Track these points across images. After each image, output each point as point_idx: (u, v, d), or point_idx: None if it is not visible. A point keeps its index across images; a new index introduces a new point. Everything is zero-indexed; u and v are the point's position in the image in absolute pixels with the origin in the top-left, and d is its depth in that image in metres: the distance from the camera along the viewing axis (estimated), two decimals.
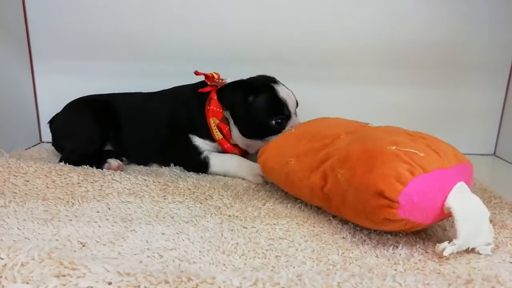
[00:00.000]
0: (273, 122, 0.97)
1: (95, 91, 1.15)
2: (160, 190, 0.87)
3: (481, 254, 0.62)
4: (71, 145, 1.04)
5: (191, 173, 1.01)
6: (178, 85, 1.11)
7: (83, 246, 0.63)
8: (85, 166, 0.95)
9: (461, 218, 0.59)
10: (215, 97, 0.99)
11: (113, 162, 1.01)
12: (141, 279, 0.48)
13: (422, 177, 0.61)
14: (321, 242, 0.67)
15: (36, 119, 1.31)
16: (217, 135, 1.01)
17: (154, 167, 1.06)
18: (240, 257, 0.61)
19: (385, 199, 0.60)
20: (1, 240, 0.63)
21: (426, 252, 0.63)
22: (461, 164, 0.68)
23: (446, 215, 0.63)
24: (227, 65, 1.22)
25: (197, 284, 0.48)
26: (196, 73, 1.01)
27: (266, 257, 0.61)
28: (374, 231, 0.71)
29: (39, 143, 1.31)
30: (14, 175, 0.88)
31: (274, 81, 1.02)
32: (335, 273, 0.54)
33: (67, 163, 0.97)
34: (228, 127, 1.01)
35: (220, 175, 1.00)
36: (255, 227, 0.71)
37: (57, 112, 1.12)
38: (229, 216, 0.76)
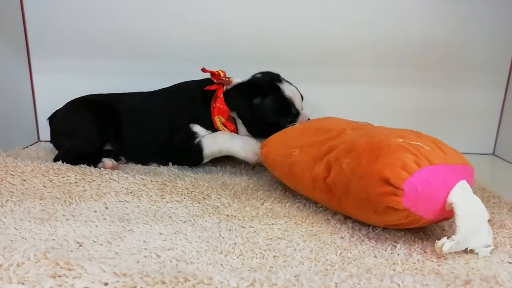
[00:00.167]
0: (283, 122, 0.97)
1: (93, 90, 1.14)
2: (158, 189, 0.87)
3: (479, 255, 0.62)
4: (69, 144, 1.04)
5: (189, 172, 1.00)
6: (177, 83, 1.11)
7: (80, 246, 0.62)
8: (82, 165, 0.95)
9: (462, 215, 0.59)
10: (221, 95, 1.00)
11: (108, 161, 1.01)
12: (137, 280, 0.48)
13: (427, 168, 0.61)
14: (320, 242, 0.67)
15: (34, 118, 1.30)
16: (225, 130, 1.01)
17: (153, 167, 1.06)
18: (238, 257, 0.61)
19: (390, 185, 0.60)
20: None
21: (425, 252, 0.63)
22: (464, 165, 0.69)
23: (447, 214, 0.62)
24: (227, 64, 1.20)
25: (194, 284, 0.48)
26: (203, 70, 1.01)
27: (264, 257, 0.61)
28: (373, 230, 0.71)
29: (37, 142, 1.31)
30: (11, 174, 0.88)
31: (279, 79, 1.02)
32: (333, 273, 0.54)
33: (63, 162, 0.96)
34: (234, 126, 1.01)
35: (214, 156, 0.99)
36: (253, 227, 0.71)
37: (55, 110, 1.11)
38: (227, 215, 0.76)
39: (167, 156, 1.06)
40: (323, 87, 1.28)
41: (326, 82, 1.28)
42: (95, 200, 0.80)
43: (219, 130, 1.01)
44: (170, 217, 0.74)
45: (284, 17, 1.22)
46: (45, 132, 1.14)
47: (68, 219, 0.71)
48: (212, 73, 1.01)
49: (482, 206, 0.63)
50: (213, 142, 0.98)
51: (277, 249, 0.64)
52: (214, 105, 1.00)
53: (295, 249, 0.64)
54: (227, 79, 1.01)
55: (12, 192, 0.82)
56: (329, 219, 0.75)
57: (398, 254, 0.63)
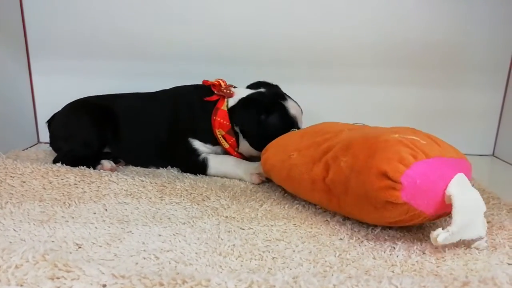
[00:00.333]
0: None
1: (93, 92, 1.14)
2: (157, 191, 0.87)
3: (478, 249, 0.63)
4: (68, 147, 1.04)
5: (188, 174, 1.01)
6: (177, 85, 1.11)
7: (79, 247, 0.62)
8: (82, 167, 0.95)
9: (460, 207, 0.60)
10: (222, 108, 1.00)
11: (106, 163, 1.01)
12: (135, 282, 0.48)
13: (424, 161, 0.62)
14: (318, 243, 0.67)
15: (34, 119, 1.30)
16: (224, 144, 1.02)
17: (152, 168, 1.06)
18: (236, 259, 0.61)
19: (388, 179, 0.60)
20: None
21: (424, 254, 0.63)
22: (461, 159, 0.69)
23: (446, 208, 0.63)
24: (227, 65, 1.22)
25: (192, 286, 0.48)
26: (204, 82, 1.02)
27: (262, 259, 0.61)
28: (372, 231, 0.71)
29: (36, 143, 1.31)
30: (11, 176, 0.88)
31: (282, 95, 1.03)
32: (332, 275, 0.54)
33: (63, 164, 0.96)
34: (234, 139, 1.01)
35: (218, 176, 1.00)
36: (252, 229, 0.71)
37: (55, 112, 1.11)
38: (226, 217, 0.76)
39: (169, 162, 1.07)
40: (323, 88, 1.28)
41: (326, 83, 1.28)
42: (94, 202, 0.80)
43: (219, 143, 1.02)
44: (169, 218, 0.74)
45: (284, 18, 1.22)
46: (45, 133, 1.14)
47: (67, 221, 0.71)
48: (212, 84, 1.02)
49: (480, 198, 0.63)
50: (220, 165, 1.00)
51: (276, 250, 0.64)
52: (214, 117, 1.00)
53: (294, 251, 0.64)
54: (228, 91, 1.01)
55: (12, 194, 0.82)
56: (328, 221, 0.75)
57: (397, 256, 0.63)
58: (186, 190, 0.88)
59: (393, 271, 0.58)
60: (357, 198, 0.66)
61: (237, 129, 1.00)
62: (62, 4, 1.21)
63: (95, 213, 0.75)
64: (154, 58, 1.25)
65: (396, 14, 1.21)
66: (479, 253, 0.63)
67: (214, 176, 1.00)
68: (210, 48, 1.24)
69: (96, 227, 0.69)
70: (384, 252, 0.64)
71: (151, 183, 0.90)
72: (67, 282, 0.48)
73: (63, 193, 0.84)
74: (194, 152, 1.02)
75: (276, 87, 1.07)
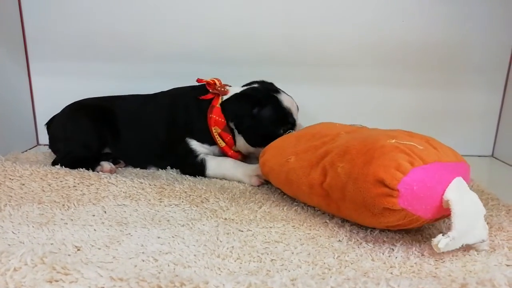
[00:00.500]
0: (281, 131, 0.98)
1: (92, 93, 1.14)
2: (156, 193, 0.87)
3: (478, 251, 0.63)
4: (67, 148, 1.04)
5: (187, 176, 1.01)
6: (175, 86, 1.11)
7: (78, 250, 0.62)
8: (81, 169, 0.95)
9: (458, 212, 0.59)
10: (217, 105, 1.00)
11: (106, 165, 1.01)
12: (133, 284, 0.48)
13: (421, 167, 0.62)
14: (317, 245, 0.67)
15: (33, 121, 1.30)
16: (220, 143, 1.02)
17: (151, 170, 1.06)
18: (235, 261, 0.61)
19: (385, 187, 0.61)
20: None
21: (422, 255, 0.63)
22: (459, 162, 0.69)
23: (444, 211, 0.62)
24: (225, 66, 1.21)
25: None
26: (198, 80, 1.02)
27: (261, 261, 0.61)
28: (371, 233, 0.71)
29: (36, 145, 1.31)
30: (10, 179, 0.88)
31: (276, 89, 1.03)
32: (330, 277, 0.54)
33: (62, 166, 0.97)
34: (230, 136, 1.01)
35: (216, 177, 1.00)
36: (251, 230, 0.71)
37: (54, 114, 1.11)
38: (225, 219, 0.76)
39: (168, 163, 1.07)
40: (322, 89, 1.28)
41: (325, 84, 1.28)
42: (93, 204, 0.80)
43: (215, 142, 1.02)
44: (168, 220, 0.74)
45: (283, 20, 1.22)
46: (44, 136, 1.14)
47: (67, 223, 0.71)
48: (207, 83, 1.02)
49: (478, 202, 0.63)
50: (218, 167, 1.00)
51: (275, 252, 0.64)
52: (210, 115, 1.00)
53: (292, 253, 0.64)
54: (222, 88, 1.02)
55: (11, 196, 0.82)
56: (327, 222, 0.75)
57: (396, 257, 0.63)
58: (185, 192, 0.88)
59: (391, 273, 0.58)
60: (355, 204, 0.66)
61: (232, 125, 1.00)
62: (61, 5, 1.21)
63: (94, 215, 0.75)
64: (153, 60, 1.25)
65: (395, 15, 1.22)
66: (477, 254, 0.63)
67: (213, 177, 1.00)
68: (209, 49, 1.24)
69: (95, 230, 0.69)
70: (383, 254, 0.64)
71: (150, 185, 0.90)
72: (65, 285, 0.48)
73: (62, 196, 0.84)
74: (192, 153, 1.02)
75: (270, 84, 1.07)
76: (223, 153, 1.05)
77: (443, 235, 0.59)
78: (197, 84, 1.05)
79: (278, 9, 1.21)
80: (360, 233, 0.71)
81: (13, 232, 0.67)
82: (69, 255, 0.60)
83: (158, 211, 0.79)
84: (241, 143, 1.02)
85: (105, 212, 0.77)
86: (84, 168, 0.96)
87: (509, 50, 1.24)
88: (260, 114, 0.97)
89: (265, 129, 0.97)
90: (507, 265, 0.60)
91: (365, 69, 1.27)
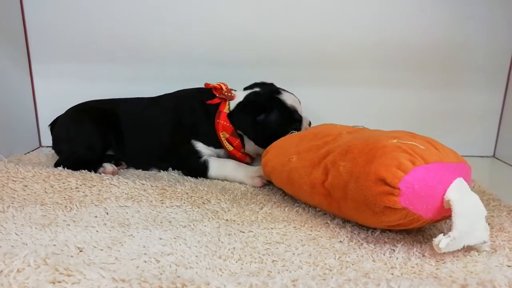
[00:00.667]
0: (290, 131, 1.00)
1: (94, 95, 1.15)
2: (158, 194, 0.87)
3: (479, 252, 0.63)
4: (70, 149, 1.04)
5: (189, 177, 1.01)
6: (176, 88, 1.11)
7: (80, 251, 0.63)
8: (83, 171, 0.95)
9: (459, 212, 0.60)
10: (224, 110, 1.01)
11: (108, 166, 1.02)
12: (135, 285, 0.48)
13: (423, 167, 0.62)
14: (318, 246, 0.67)
15: (36, 123, 1.31)
16: (228, 147, 1.03)
17: (153, 172, 1.07)
18: (236, 262, 0.61)
19: (386, 185, 0.61)
20: None
21: (424, 256, 0.63)
22: (460, 163, 0.69)
23: (445, 212, 0.63)
24: (226, 68, 1.22)
25: None
26: (206, 85, 1.04)
27: (262, 262, 0.61)
28: (372, 234, 0.71)
29: (38, 147, 1.32)
30: (13, 180, 0.89)
31: (277, 90, 1.04)
32: (331, 278, 0.55)
33: (64, 167, 0.97)
34: (239, 140, 1.02)
35: (218, 179, 1.00)
36: (252, 232, 0.71)
37: (57, 116, 1.12)
38: (227, 220, 0.76)
39: (171, 164, 1.07)
40: (323, 90, 1.28)
41: (326, 85, 1.28)
42: (95, 205, 0.81)
43: (223, 146, 1.03)
44: (170, 222, 0.75)
45: (284, 21, 1.22)
46: (47, 137, 1.15)
47: (69, 225, 0.72)
48: (214, 87, 1.03)
49: (479, 203, 0.63)
50: (220, 168, 1.00)
51: (276, 253, 0.64)
52: (218, 121, 1.01)
53: (293, 254, 0.64)
54: (229, 94, 1.02)
55: (14, 197, 0.83)
56: (328, 223, 0.75)
57: (397, 258, 0.63)
58: (187, 193, 0.89)
59: (392, 274, 0.58)
60: (356, 203, 0.66)
61: (240, 131, 1.01)
62: (63, 8, 1.22)
63: (96, 217, 0.76)
64: (154, 62, 1.26)
65: (396, 16, 1.22)
66: (478, 255, 0.63)
67: (215, 179, 1.01)
68: (210, 51, 1.24)
69: (97, 231, 0.70)
70: (384, 254, 0.64)
71: (152, 186, 0.90)
72: (68, 286, 0.49)
73: (64, 197, 0.84)
74: (196, 154, 1.03)
75: (271, 85, 1.08)
76: (230, 156, 1.05)
77: (444, 235, 0.60)
78: (202, 87, 1.06)
79: (279, 10, 1.21)
80: (361, 234, 0.71)
81: (16, 233, 0.68)
82: (71, 256, 0.61)
83: (160, 212, 0.79)
84: (251, 146, 1.03)
85: (107, 213, 0.78)
86: (86, 170, 0.96)
87: (510, 50, 1.24)
88: (267, 120, 0.99)
89: (274, 131, 0.99)
90: (508, 266, 0.60)
91: (366, 70, 1.27)
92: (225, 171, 1.00)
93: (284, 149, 0.86)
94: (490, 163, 1.28)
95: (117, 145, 1.08)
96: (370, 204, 0.64)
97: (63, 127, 1.09)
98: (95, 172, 0.98)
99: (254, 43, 1.23)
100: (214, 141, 1.03)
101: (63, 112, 1.11)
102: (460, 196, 0.61)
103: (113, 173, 1.00)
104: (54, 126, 1.12)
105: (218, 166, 1.01)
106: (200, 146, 1.03)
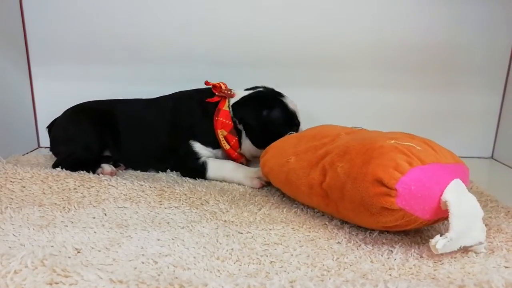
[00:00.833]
0: (288, 132, 1.01)
1: (93, 96, 1.15)
2: (156, 195, 0.87)
3: (476, 253, 0.63)
4: (68, 150, 1.04)
5: (187, 178, 1.01)
6: (176, 89, 1.12)
7: (78, 252, 0.63)
8: (81, 172, 0.95)
9: (456, 213, 0.60)
10: (224, 108, 1.01)
11: (107, 167, 1.02)
12: (133, 287, 0.48)
13: (419, 168, 0.62)
14: (316, 247, 0.67)
15: (34, 124, 1.31)
16: (225, 145, 1.03)
17: (151, 173, 1.07)
18: (234, 263, 0.61)
19: (383, 186, 0.61)
20: None
21: (421, 257, 0.63)
22: (458, 164, 0.70)
23: (443, 213, 0.63)
24: (225, 69, 1.22)
25: None
26: (206, 83, 1.04)
27: (260, 263, 0.61)
28: (370, 235, 0.71)
29: (37, 148, 1.32)
30: (11, 181, 0.89)
31: (280, 94, 1.06)
32: (329, 279, 0.55)
33: (62, 168, 0.97)
34: (236, 138, 1.03)
35: (217, 180, 1.00)
36: (251, 233, 0.71)
37: (55, 117, 1.12)
38: (225, 221, 0.76)
39: (169, 166, 1.07)
40: (323, 91, 1.29)
41: (325, 86, 1.28)
42: (93, 206, 0.81)
43: (220, 145, 1.03)
44: (168, 223, 0.75)
45: (284, 22, 1.22)
46: (45, 138, 1.15)
47: (67, 226, 0.72)
48: (213, 86, 1.03)
49: (476, 204, 0.63)
50: (219, 169, 1.01)
51: (274, 254, 0.64)
52: (217, 118, 1.02)
53: (292, 255, 0.64)
54: (228, 92, 1.03)
55: (12, 198, 0.83)
56: (326, 224, 0.75)
57: (395, 259, 0.63)
58: (185, 194, 0.88)
59: (390, 275, 0.58)
60: (354, 204, 0.66)
61: (240, 127, 1.02)
62: (62, 9, 1.22)
63: (94, 218, 0.76)
64: (154, 62, 1.26)
65: (394, 18, 1.22)
66: (476, 256, 0.63)
67: (213, 180, 1.01)
68: (210, 52, 1.24)
69: (95, 232, 0.70)
70: (382, 255, 0.64)
71: (150, 187, 0.90)
72: (65, 287, 0.48)
73: (62, 198, 0.84)
74: (194, 155, 1.03)
75: (272, 89, 1.09)
76: (226, 156, 1.05)
77: (441, 236, 0.60)
78: (201, 87, 1.07)
79: (279, 11, 1.21)
80: (359, 235, 0.71)
81: (13, 234, 0.68)
82: (69, 257, 0.60)
83: (158, 213, 0.79)
84: (247, 146, 1.04)
85: (105, 214, 0.78)
86: (84, 171, 0.96)
87: (509, 51, 1.25)
88: (270, 116, 1.00)
89: (273, 130, 1.00)
90: (506, 267, 0.60)
91: (365, 71, 1.27)
92: (223, 172, 1.00)
93: (282, 149, 0.86)
94: (488, 164, 1.29)
95: (114, 146, 1.08)
96: (367, 205, 0.64)
97: (60, 128, 1.09)
98: (94, 173, 0.98)
99: (254, 43, 1.23)
100: (212, 141, 1.03)
101: (61, 113, 1.11)
102: (457, 197, 0.61)
103: (112, 174, 1.00)
104: (52, 128, 1.12)
105: (217, 167, 1.01)
106: (198, 146, 1.03)
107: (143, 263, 0.60)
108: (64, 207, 0.79)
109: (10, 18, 1.20)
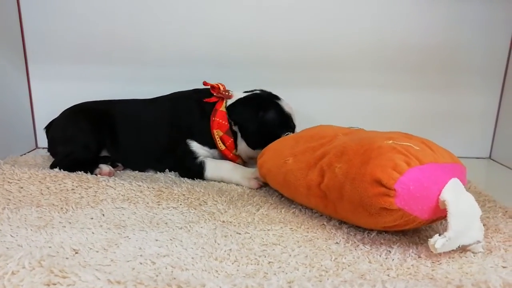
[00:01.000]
0: (283, 134, 1.01)
1: (91, 96, 1.15)
2: (154, 196, 0.87)
3: (474, 252, 0.63)
4: (66, 150, 1.04)
5: (185, 178, 1.01)
6: (174, 90, 1.11)
7: (76, 253, 0.63)
8: (79, 172, 0.95)
9: (454, 212, 0.60)
10: (221, 109, 1.02)
11: (105, 167, 1.02)
12: (131, 287, 0.48)
13: (418, 168, 0.63)
14: (314, 247, 0.67)
15: (32, 125, 1.31)
16: (221, 146, 1.03)
17: (149, 173, 1.06)
18: (232, 264, 0.61)
19: (382, 187, 0.61)
20: None
21: (419, 257, 0.63)
22: (455, 164, 0.70)
23: (441, 212, 0.63)
24: (225, 70, 1.22)
25: None
26: (204, 83, 1.04)
27: (259, 263, 0.61)
28: (368, 235, 0.71)
29: (34, 149, 1.31)
30: (8, 182, 0.88)
31: (276, 97, 1.06)
32: (327, 279, 0.55)
33: (60, 168, 0.97)
34: (231, 139, 1.03)
35: (215, 180, 1.00)
36: (249, 233, 0.71)
37: (53, 117, 1.12)
38: (223, 222, 0.76)
39: (167, 166, 1.07)
40: (322, 92, 1.29)
41: (324, 87, 1.28)
42: (91, 207, 0.81)
43: (216, 145, 1.03)
44: (166, 223, 0.75)
45: (283, 23, 1.22)
46: (43, 139, 1.15)
47: (65, 226, 0.72)
48: (212, 86, 1.04)
49: (474, 203, 0.64)
50: (217, 169, 1.00)
51: (272, 255, 0.64)
52: (213, 118, 1.02)
53: (290, 255, 0.64)
54: (226, 93, 1.04)
55: (9, 199, 0.82)
56: (324, 225, 0.75)
57: (393, 259, 0.63)
58: (183, 194, 0.88)
59: (388, 275, 0.58)
60: (352, 204, 0.66)
61: (235, 128, 1.02)
62: (60, 9, 1.22)
63: (92, 218, 0.75)
64: (152, 63, 1.26)
65: (392, 18, 1.22)
66: (474, 256, 0.63)
67: (211, 180, 1.01)
68: (209, 53, 1.24)
69: (93, 232, 0.69)
70: (380, 256, 0.64)
71: (148, 188, 0.90)
72: None
73: (60, 199, 0.84)
74: (192, 155, 1.03)
75: (270, 92, 1.09)
76: (223, 157, 1.06)
77: (439, 236, 0.60)
78: (199, 88, 1.07)
79: (278, 12, 1.21)
80: (358, 235, 0.71)
81: (11, 235, 0.67)
82: (67, 258, 0.60)
83: (156, 214, 0.79)
84: (242, 147, 1.04)
85: (103, 215, 0.77)
86: (82, 171, 0.96)
87: (507, 52, 1.25)
88: (264, 118, 1.01)
89: (267, 132, 1.00)
90: (503, 267, 0.60)
91: (364, 72, 1.27)
92: (221, 172, 1.00)
93: (279, 151, 0.86)
94: (486, 164, 1.29)
95: (112, 146, 1.08)
96: (366, 205, 0.64)
97: (58, 128, 1.09)
98: (91, 173, 0.97)
99: (254, 44, 1.23)
100: (209, 141, 1.04)
101: (59, 114, 1.11)
102: (455, 197, 0.61)
103: (110, 174, 1.00)
104: (50, 128, 1.11)
105: (215, 167, 1.01)
106: (195, 146, 1.03)
107: (141, 263, 0.60)
108: (62, 208, 0.79)
109: (7, 18, 1.19)
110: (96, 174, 0.98)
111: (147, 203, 0.84)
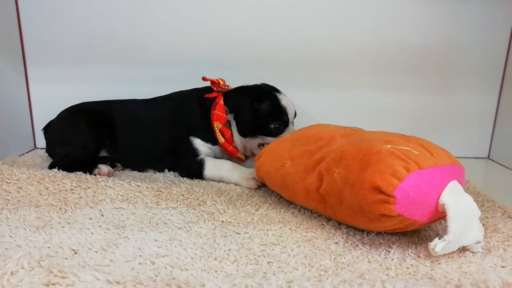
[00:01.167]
0: (272, 125, 1.02)
1: (89, 98, 1.15)
2: (153, 196, 0.87)
3: (473, 252, 0.63)
4: (64, 151, 1.04)
5: (184, 178, 1.01)
6: (174, 90, 1.11)
7: (75, 253, 0.62)
8: (78, 173, 0.95)
9: (454, 215, 0.60)
10: (220, 102, 1.03)
11: (103, 167, 1.01)
12: (130, 287, 0.48)
13: (417, 173, 0.62)
14: (314, 247, 0.67)
15: (31, 125, 1.30)
16: (220, 139, 1.04)
17: (149, 173, 1.06)
18: (232, 263, 0.61)
19: (382, 194, 0.61)
20: None
21: (419, 257, 0.64)
22: (454, 164, 0.70)
23: (441, 214, 0.63)
24: (225, 70, 1.21)
25: None
26: (204, 79, 1.05)
27: (258, 263, 0.61)
28: (367, 235, 0.71)
29: (33, 149, 1.31)
30: (7, 182, 0.88)
31: (277, 90, 1.06)
32: (326, 279, 0.55)
33: (59, 169, 0.97)
34: (230, 132, 1.04)
35: (214, 180, 1.00)
36: (248, 233, 0.71)
37: (51, 118, 1.12)
38: (222, 222, 0.76)
39: (166, 165, 1.07)
40: (322, 93, 1.29)
41: (325, 88, 1.29)
42: (90, 207, 0.80)
43: (218, 138, 1.04)
44: (165, 223, 0.74)
45: (283, 23, 1.22)
46: (42, 139, 1.15)
47: (64, 227, 0.71)
48: (212, 82, 1.04)
49: (473, 204, 0.64)
50: (216, 168, 1.01)
51: (272, 255, 0.64)
52: (213, 111, 1.03)
53: (289, 255, 0.64)
54: (227, 87, 1.05)
55: (8, 199, 0.82)
56: (323, 225, 0.75)
57: (392, 259, 0.63)
58: (183, 195, 0.88)
59: (387, 275, 0.58)
60: (351, 210, 0.66)
61: (230, 116, 1.03)
62: (58, 11, 1.21)
63: (91, 219, 0.75)
64: (151, 64, 1.26)
65: (392, 19, 1.22)
66: (473, 256, 0.63)
67: (210, 179, 1.01)
68: (209, 53, 1.24)
69: (92, 233, 0.69)
70: (379, 255, 0.64)
71: (147, 188, 0.90)
72: None
73: (59, 199, 0.84)
74: (193, 151, 1.03)
75: (272, 86, 1.09)
76: (224, 153, 1.06)
77: (439, 239, 0.60)
78: (199, 87, 1.07)
79: (278, 12, 1.21)
80: (357, 235, 0.71)
81: (10, 235, 0.67)
82: (66, 258, 0.60)
83: (155, 214, 0.79)
84: (238, 138, 1.04)
85: (102, 215, 0.77)
86: (81, 171, 0.96)
87: (505, 52, 1.26)
88: (259, 108, 1.01)
89: (259, 121, 1.01)
90: (502, 267, 0.61)
91: (364, 72, 1.27)
92: (220, 171, 1.00)
93: (277, 153, 0.86)
94: (484, 164, 1.29)
95: (111, 146, 1.08)
96: (366, 212, 0.64)
97: (57, 128, 1.09)
98: (90, 173, 0.97)
99: (253, 45, 1.23)
100: (211, 136, 1.04)
101: (57, 114, 1.11)
102: (454, 200, 0.61)
103: (109, 174, 1.00)
104: (48, 129, 1.11)
105: (214, 166, 1.01)
106: (198, 142, 1.04)
107: (140, 264, 0.60)
108: (60, 208, 0.79)
109: (6, 20, 1.19)
110: (95, 174, 0.98)
111: (146, 203, 0.83)
